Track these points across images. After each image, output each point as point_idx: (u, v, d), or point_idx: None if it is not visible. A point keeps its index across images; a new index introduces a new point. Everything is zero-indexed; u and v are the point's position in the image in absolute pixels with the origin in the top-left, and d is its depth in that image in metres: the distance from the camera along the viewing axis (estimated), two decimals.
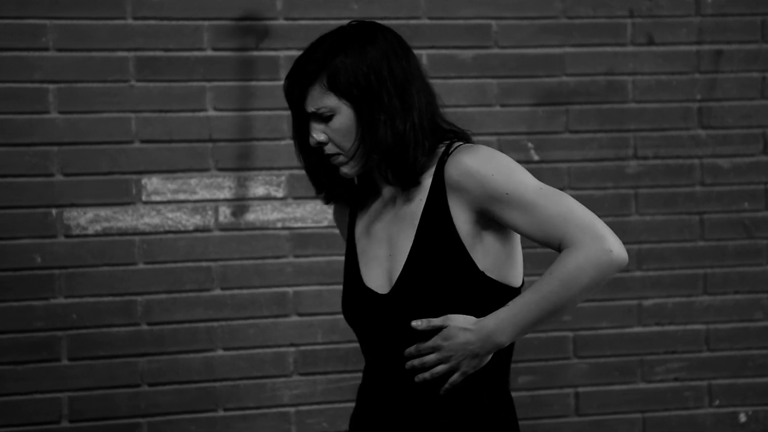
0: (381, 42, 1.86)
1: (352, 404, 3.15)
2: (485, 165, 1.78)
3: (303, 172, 3.07)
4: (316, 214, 3.14)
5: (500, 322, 1.77)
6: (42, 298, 2.97)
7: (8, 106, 2.95)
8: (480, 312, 1.79)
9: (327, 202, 2.00)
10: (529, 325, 1.78)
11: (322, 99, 1.83)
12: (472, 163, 1.79)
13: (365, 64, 1.82)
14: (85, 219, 3.01)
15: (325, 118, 1.84)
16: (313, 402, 3.14)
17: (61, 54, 2.99)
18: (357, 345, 3.18)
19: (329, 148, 1.86)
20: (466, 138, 1.88)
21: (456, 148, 1.83)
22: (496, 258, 1.82)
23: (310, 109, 1.85)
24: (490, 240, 1.81)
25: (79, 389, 2.99)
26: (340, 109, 1.83)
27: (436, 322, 1.80)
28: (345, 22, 3.13)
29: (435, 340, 1.80)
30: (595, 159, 3.29)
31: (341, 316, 3.13)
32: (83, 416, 2.99)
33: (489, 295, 1.81)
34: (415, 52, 1.93)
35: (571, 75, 3.27)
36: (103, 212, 3.02)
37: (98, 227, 3.02)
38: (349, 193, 1.96)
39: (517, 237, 1.85)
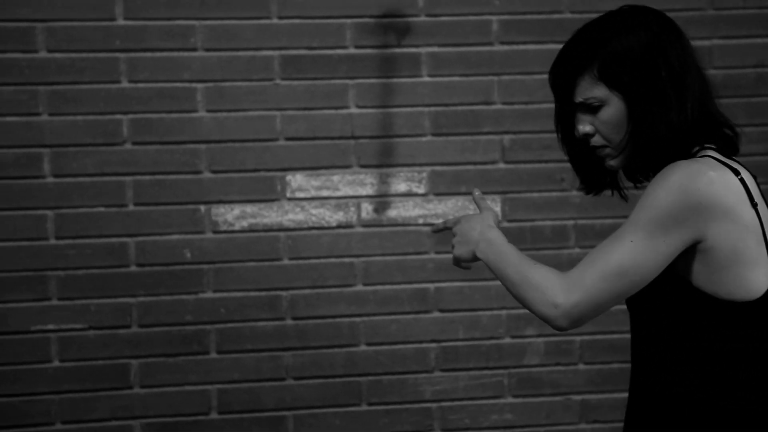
0: (655, 28, 1.75)
1: (495, 401, 3.15)
2: (660, 177, 1.68)
3: (444, 168, 3.13)
4: (458, 210, 3.14)
5: (498, 244, 1.84)
6: (192, 292, 3.05)
7: (160, 105, 3.03)
8: (691, 323, 1.72)
9: (588, 192, 1.91)
10: (493, 267, 1.86)
11: (591, 89, 1.75)
12: (664, 171, 1.69)
13: (638, 52, 1.72)
14: (232, 215, 3.07)
15: (594, 108, 1.76)
16: (455, 398, 3.14)
17: (208, 54, 3.06)
18: (498, 341, 3.18)
19: (596, 140, 1.78)
20: (730, 142, 1.77)
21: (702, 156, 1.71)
22: (699, 269, 1.70)
23: (578, 99, 1.77)
24: (690, 252, 1.70)
25: (227, 382, 3.06)
26: (610, 100, 1.74)
27: (481, 202, 1.92)
28: (487, 18, 3.13)
29: (461, 216, 1.93)
30: (745, 154, 3.18)
31: (483, 313, 3.15)
32: (231, 408, 3.06)
33: (696, 304, 1.72)
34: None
35: (719, 68, 3.18)
36: (249, 209, 3.08)
37: (244, 223, 3.08)
38: (614, 184, 1.88)
39: (737, 249, 1.69)
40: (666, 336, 1.73)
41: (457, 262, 1.94)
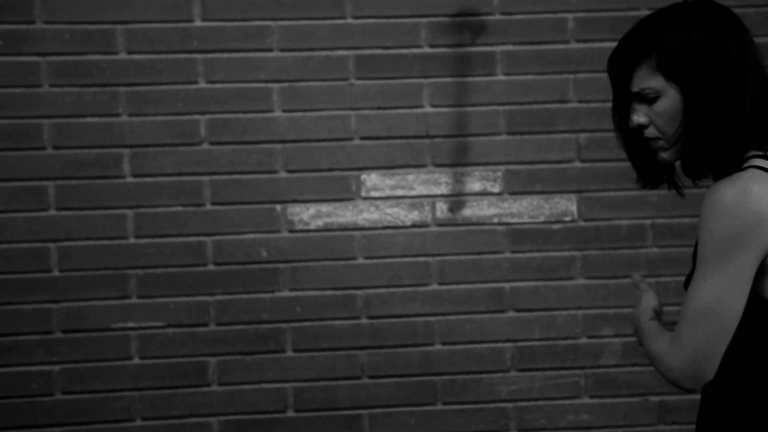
0: (716, 21, 1.73)
1: (572, 401, 3.13)
2: (705, 206, 1.66)
3: (519, 167, 3.11)
4: (533, 209, 3.12)
5: (641, 329, 1.86)
6: (268, 291, 3.07)
7: (236, 105, 3.06)
8: (761, 331, 1.72)
9: (645, 186, 1.89)
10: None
11: (648, 80, 1.74)
12: (707, 196, 1.67)
13: (698, 44, 1.70)
14: (308, 214, 3.09)
15: (649, 99, 1.75)
16: (531, 398, 3.12)
17: (284, 54, 3.08)
18: (574, 341, 3.15)
19: (649, 132, 1.77)
20: None
21: (746, 167, 1.68)
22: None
23: (635, 89, 1.76)
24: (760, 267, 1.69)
25: (303, 380, 3.08)
26: (666, 92, 1.73)
27: (640, 285, 1.89)
28: (563, 15, 3.10)
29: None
30: None
31: (559, 312, 3.12)
32: (307, 406, 3.07)
33: (765, 314, 1.71)
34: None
35: None
36: (325, 208, 3.09)
37: (320, 222, 3.09)
38: (671, 180, 1.86)
39: None
40: (737, 344, 1.71)
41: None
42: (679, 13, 1.75)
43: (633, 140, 1.82)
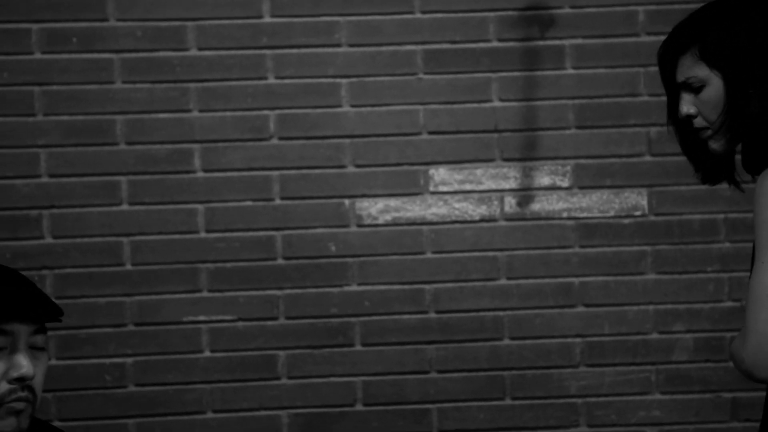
0: (759, 11, 1.75)
1: (643, 397, 3.10)
2: (758, 192, 1.66)
3: (589, 161, 3.09)
4: (603, 203, 3.10)
5: None
6: (336, 285, 3.09)
7: (305, 101, 3.08)
8: None
9: (705, 182, 1.90)
10: None
11: (692, 68, 1.77)
12: (758, 182, 1.68)
13: (740, 33, 1.73)
14: (376, 209, 3.10)
15: (695, 89, 1.77)
16: (601, 394, 3.10)
17: (352, 49, 3.09)
18: (645, 337, 3.13)
19: (698, 122, 1.78)
20: None
21: None
22: None
23: (680, 78, 1.78)
24: None
25: (372, 374, 3.09)
26: (710, 80, 1.75)
27: None
28: (633, 8, 3.08)
29: None
30: None
31: (629, 308, 3.10)
32: (376, 400, 3.09)
33: None
34: None
35: None
36: (393, 202, 3.10)
37: (388, 217, 3.10)
38: (731, 175, 1.87)
39: None
40: None
41: None
42: (727, 3, 1.77)
43: (685, 132, 1.83)
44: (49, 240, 3.03)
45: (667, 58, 1.80)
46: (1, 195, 3.01)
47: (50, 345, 3.01)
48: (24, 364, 1.62)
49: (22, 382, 1.63)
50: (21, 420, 1.64)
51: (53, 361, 3.01)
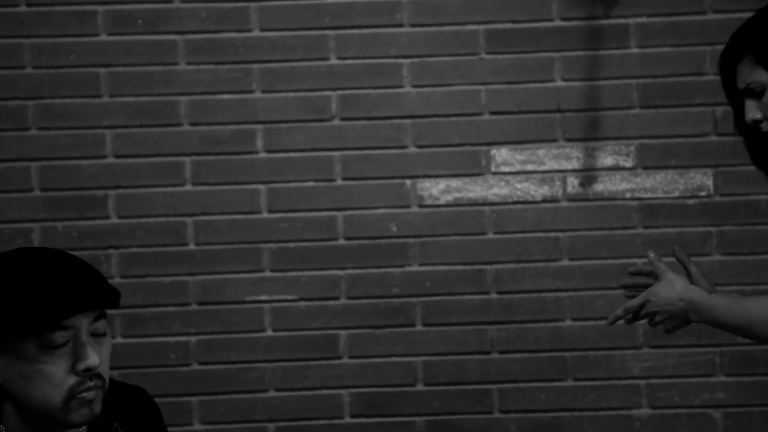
0: None
1: (706, 379, 3.07)
2: None
3: (653, 141, 3.06)
4: (667, 184, 3.07)
5: (704, 303, 1.82)
6: (398, 265, 3.09)
7: (367, 81, 3.08)
8: None
9: None
10: (718, 324, 1.83)
11: (751, 74, 1.76)
12: None
13: None
14: (437, 189, 3.10)
15: (757, 93, 1.77)
16: (665, 375, 3.08)
17: (414, 29, 3.08)
18: None
19: (765, 126, 1.78)
20: None
21: None
22: None
23: (741, 85, 1.79)
24: None
25: (433, 354, 3.09)
26: None
27: (658, 266, 1.93)
28: None
29: (647, 292, 1.91)
30: None
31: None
32: (437, 380, 3.09)
33: None
34: None
35: None
36: (454, 183, 3.10)
37: (449, 197, 3.10)
38: None
39: None
40: None
41: (672, 331, 1.96)
42: None
43: (754, 141, 1.82)
44: (114, 220, 3.07)
45: (726, 68, 1.80)
46: (68, 175, 3.05)
47: (116, 323, 3.05)
48: (89, 355, 1.64)
49: (89, 372, 1.65)
50: (93, 407, 1.67)
51: (119, 339, 3.05)
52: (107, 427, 1.82)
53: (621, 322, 2.13)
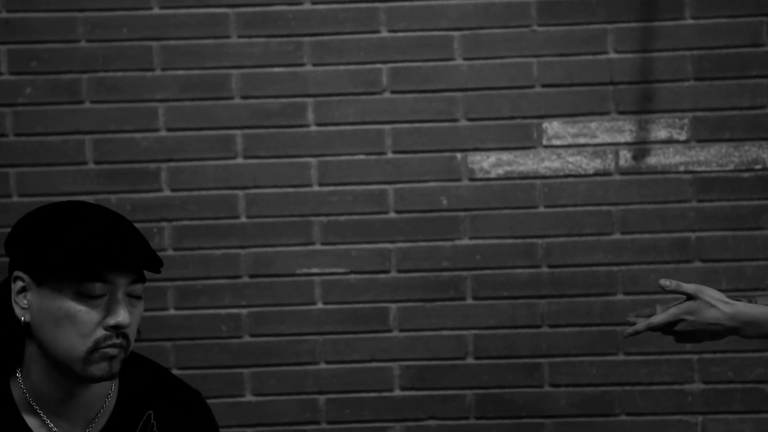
0: None
1: (762, 354, 3.04)
2: None
3: (708, 114, 3.02)
4: (721, 157, 3.03)
5: (758, 316, 1.72)
6: (448, 239, 3.09)
7: (417, 54, 3.07)
8: None
9: None
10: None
11: None
12: None
13: None
14: (488, 163, 3.08)
15: None
16: (717, 350, 3.05)
17: (465, 2, 3.06)
18: (765, 293, 3.04)
19: None
20: None
21: None
22: None
23: None
24: None
25: (483, 328, 3.09)
26: None
27: (687, 288, 1.73)
28: None
29: (681, 311, 1.73)
30: None
31: (747, 263, 3.03)
32: (487, 354, 3.09)
33: None
34: None
35: None
36: (505, 156, 3.08)
37: (500, 171, 3.08)
38: None
39: None
40: None
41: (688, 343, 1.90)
42: None
43: None
44: (167, 193, 3.09)
45: None
46: (121, 149, 3.08)
47: (168, 295, 3.08)
48: (121, 312, 1.67)
49: (117, 329, 1.68)
50: (113, 365, 1.69)
51: (171, 311, 3.08)
52: (140, 410, 1.83)
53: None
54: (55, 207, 1.72)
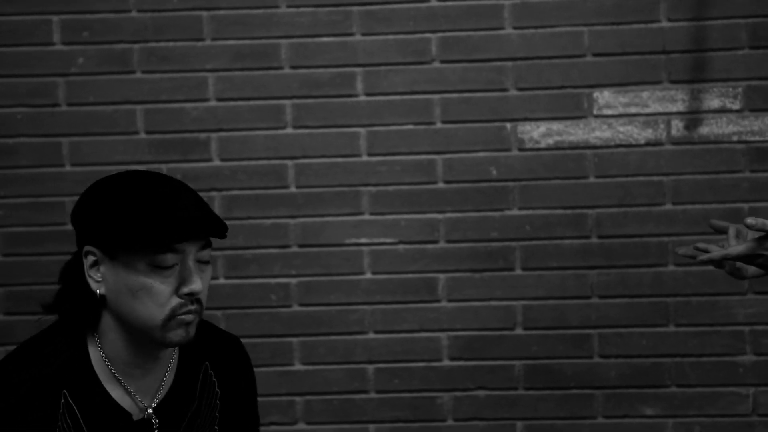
0: None
1: None
2: None
3: (762, 83, 2.97)
4: None
5: None
6: (497, 209, 3.08)
7: (467, 23, 3.05)
8: None
9: None
10: None
11: None
12: None
13: None
14: (538, 132, 3.06)
15: None
16: None
17: None
18: None
19: None
20: None
21: None
22: None
23: None
24: None
25: (532, 298, 3.08)
26: None
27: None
28: None
29: (761, 246, 1.75)
30: None
31: None
32: (536, 324, 3.08)
33: None
34: None
35: None
36: (555, 126, 3.06)
37: (550, 141, 3.06)
38: None
39: None
40: None
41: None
42: None
43: None
44: (216, 162, 3.11)
45: None
46: (172, 118, 3.10)
47: (218, 264, 3.10)
48: (194, 280, 1.71)
49: (192, 296, 1.72)
50: (189, 330, 1.74)
51: (221, 280, 3.10)
52: (198, 364, 1.89)
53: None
54: (118, 178, 1.74)
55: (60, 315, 1.77)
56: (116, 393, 1.78)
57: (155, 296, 1.70)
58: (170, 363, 1.84)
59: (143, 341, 1.75)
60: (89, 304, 1.74)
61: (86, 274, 1.73)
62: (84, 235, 1.73)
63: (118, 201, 1.69)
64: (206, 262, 1.75)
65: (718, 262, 1.98)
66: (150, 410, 1.80)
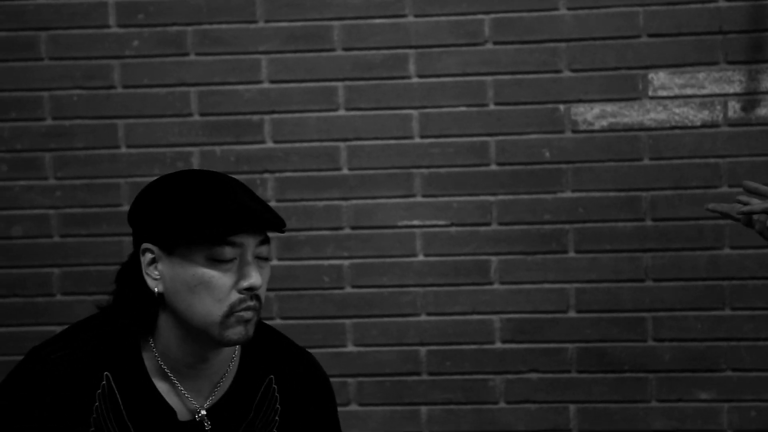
0: None
1: None
2: None
3: None
4: None
5: None
6: (550, 191, 3.06)
7: (522, 4, 3.03)
8: None
9: None
10: None
11: None
12: None
13: None
14: (592, 114, 3.04)
15: None
16: None
17: None
18: None
19: None
20: None
21: None
22: None
23: None
24: None
25: (585, 281, 3.06)
26: None
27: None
28: None
29: None
30: None
31: None
32: (589, 307, 3.06)
33: None
34: None
35: None
36: (609, 107, 3.03)
37: (604, 122, 3.04)
38: None
39: None
40: None
41: None
42: None
43: None
44: (270, 144, 3.12)
45: None
46: (225, 100, 3.12)
47: (272, 246, 3.11)
48: (253, 274, 1.66)
49: (251, 291, 1.67)
50: (248, 328, 1.69)
51: (275, 262, 3.12)
52: (261, 376, 1.82)
53: None
54: (175, 176, 1.73)
55: (117, 316, 1.73)
56: (163, 387, 1.75)
57: (214, 291, 1.65)
58: (228, 368, 1.79)
59: (199, 341, 1.70)
60: (147, 303, 1.70)
61: (144, 272, 1.70)
62: (141, 232, 1.71)
63: (175, 196, 1.68)
64: (265, 259, 1.71)
65: (748, 220, 1.95)
66: (204, 411, 1.75)
